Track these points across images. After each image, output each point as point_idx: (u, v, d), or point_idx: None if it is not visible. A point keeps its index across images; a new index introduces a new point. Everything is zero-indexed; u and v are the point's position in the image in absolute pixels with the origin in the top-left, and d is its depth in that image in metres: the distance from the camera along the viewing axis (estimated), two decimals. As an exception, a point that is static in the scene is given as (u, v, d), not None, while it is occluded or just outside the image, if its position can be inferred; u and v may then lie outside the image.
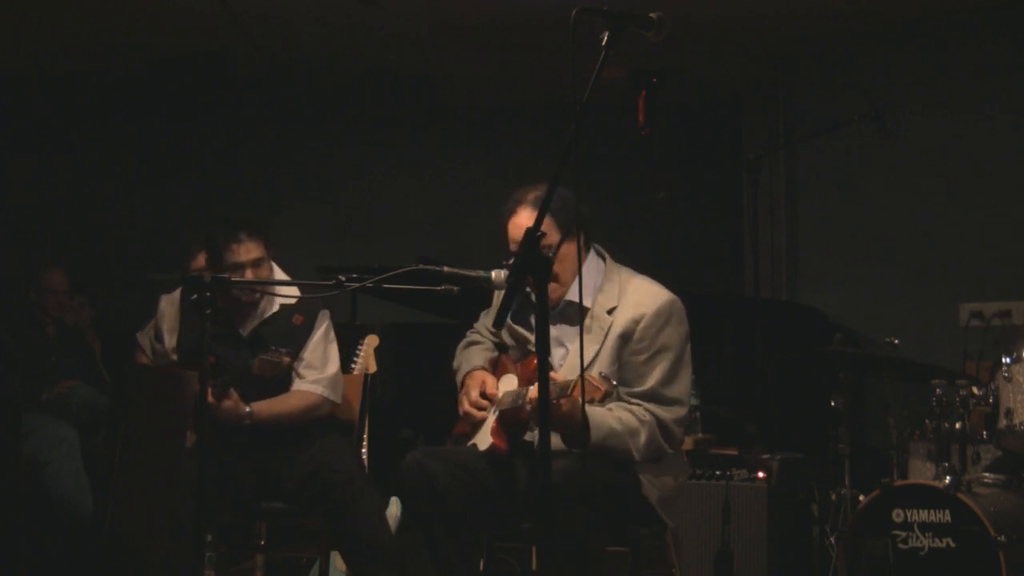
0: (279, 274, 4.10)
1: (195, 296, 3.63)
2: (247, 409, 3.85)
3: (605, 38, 2.54)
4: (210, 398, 3.71)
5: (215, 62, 7.07)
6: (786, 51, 6.98)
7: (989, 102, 6.22)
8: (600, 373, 3.21)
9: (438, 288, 3.32)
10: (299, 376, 4.00)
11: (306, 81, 7.70)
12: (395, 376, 5.44)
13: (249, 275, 3.91)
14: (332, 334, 4.13)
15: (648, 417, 3.37)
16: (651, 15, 2.58)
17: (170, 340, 4.05)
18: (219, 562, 4.31)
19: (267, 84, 7.61)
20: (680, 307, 3.48)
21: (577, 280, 3.48)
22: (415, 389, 5.57)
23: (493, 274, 3.18)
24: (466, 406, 3.56)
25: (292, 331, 4.01)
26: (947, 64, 6.39)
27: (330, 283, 3.49)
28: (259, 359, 3.83)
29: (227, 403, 3.79)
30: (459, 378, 3.70)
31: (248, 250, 3.93)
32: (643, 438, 3.35)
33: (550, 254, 3.36)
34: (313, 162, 7.95)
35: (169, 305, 4.10)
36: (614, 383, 3.21)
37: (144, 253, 7.44)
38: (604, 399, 3.18)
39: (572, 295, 3.49)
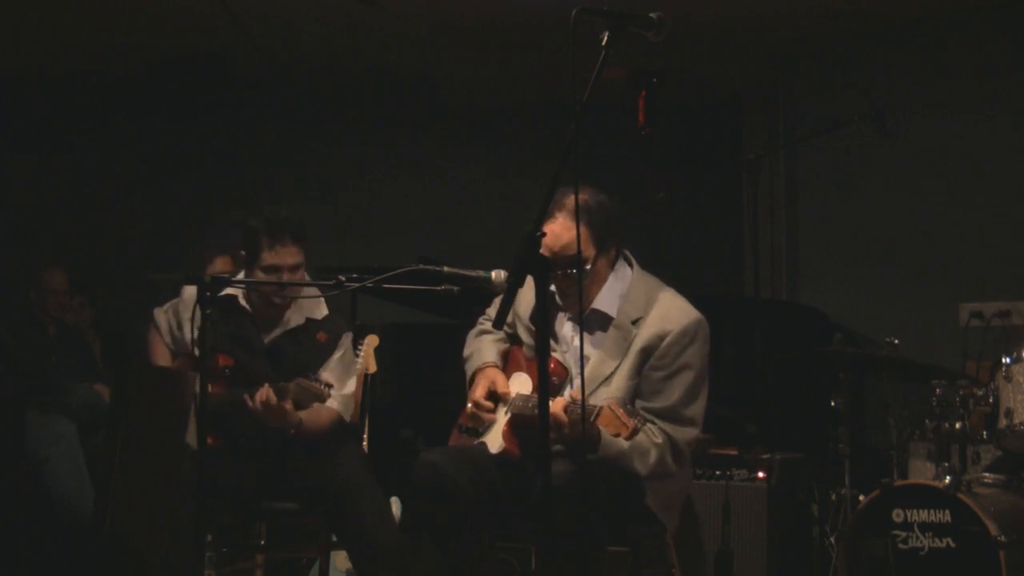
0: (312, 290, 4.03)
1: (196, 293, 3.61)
2: (298, 417, 3.79)
3: (605, 38, 2.54)
4: (272, 398, 3.68)
5: (215, 62, 7.06)
6: (786, 51, 6.98)
7: (989, 102, 6.22)
8: (627, 407, 3.18)
9: (438, 288, 3.32)
10: None
11: (306, 81, 7.70)
12: (395, 376, 5.44)
13: (285, 279, 3.81)
14: (352, 356, 4.08)
15: (660, 439, 3.35)
16: (651, 15, 2.58)
17: (189, 331, 3.97)
18: (219, 562, 4.31)
19: (267, 84, 7.61)
20: (706, 327, 3.45)
21: (604, 288, 3.47)
22: (415, 389, 5.57)
23: (493, 274, 3.18)
24: (471, 408, 3.55)
25: (315, 347, 3.96)
26: (947, 64, 6.39)
27: (330, 283, 3.49)
28: (297, 383, 3.69)
29: (288, 405, 3.71)
30: (469, 369, 3.68)
31: (291, 254, 3.82)
32: (652, 458, 3.33)
33: (586, 267, 3.36)
34: (313, 162, 7.95)
35: (192, 296, 4.04)
36: (640, 419, 3.18)
37: (144, 253, 7.45)
38: (631, 436, 3.15)
39: (598, 303, 3.47)
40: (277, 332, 3.96)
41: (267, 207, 3.94)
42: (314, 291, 3.93)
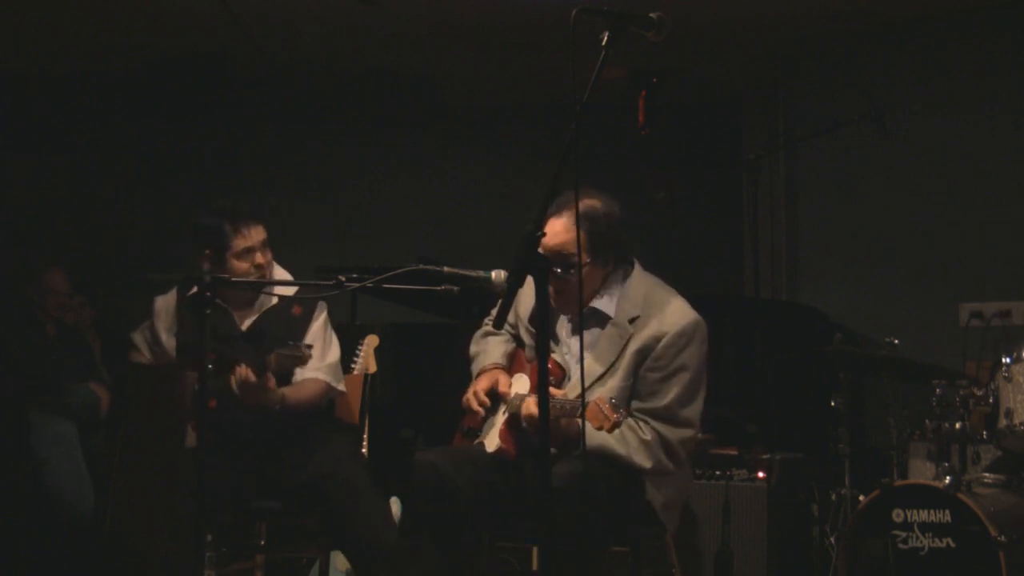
0: (276, 268, 4.09)
1: (195, 293, 3.61)
2: (280, 393, 3.83)
3: (605, 38, 2.54)
4: (251, 376, 3.72)
5: (215, 62, 7.07)
6: (786, 51, 6.98)
7: (989, 102, 6.22)
8: (611, 400, 3.18)
9: (438, 288, 3.32)
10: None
11: (306, 81, 7.70)
12: (395, 376, 5.44)
13: (258, 258, 3.93)
14: (330, 324, 4.11)
15: (650, 436, 3.35)
16: (651, 15, 2.58)
17: (168, 340, 4.03)
18: (219, 562, 4.30)
19: (267, 84, 7.61)
20: (703, 329, 3.45)
21: (602, 288, 3.47)
22: (415, 389, 5.57)
23: (493, 274, 3.18)
24: (469, 395, 3.55)
25: (291, 321, 4.00)
26: (947, 64, 6.39)
27: (330, 283, 3.50)
28: (276, 353, 3.76)
29: (269, 382, 3.76)
30: (475, 368, 3.68)
31: (257, 232, 3.95)
32: (645, 455, 3.34)
33: (577, 272, 3.36)
34: (313, 162, 7.95)
35: (164, 305, 4.09)
36: (624, 413, 3.19)
37: (144, 253, 7.44)
38: (612, 429, 3.15)
39: (596, 302, 3.47)
40: (253, 317, 4.00)
41: (212, 205, 4.02)
42: (317, 289, 3.95)
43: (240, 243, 3.91)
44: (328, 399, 4.07)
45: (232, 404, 3.80)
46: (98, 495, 4.87)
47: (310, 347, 3.83)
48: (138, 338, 4.12)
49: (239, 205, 3.97)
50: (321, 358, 4.00)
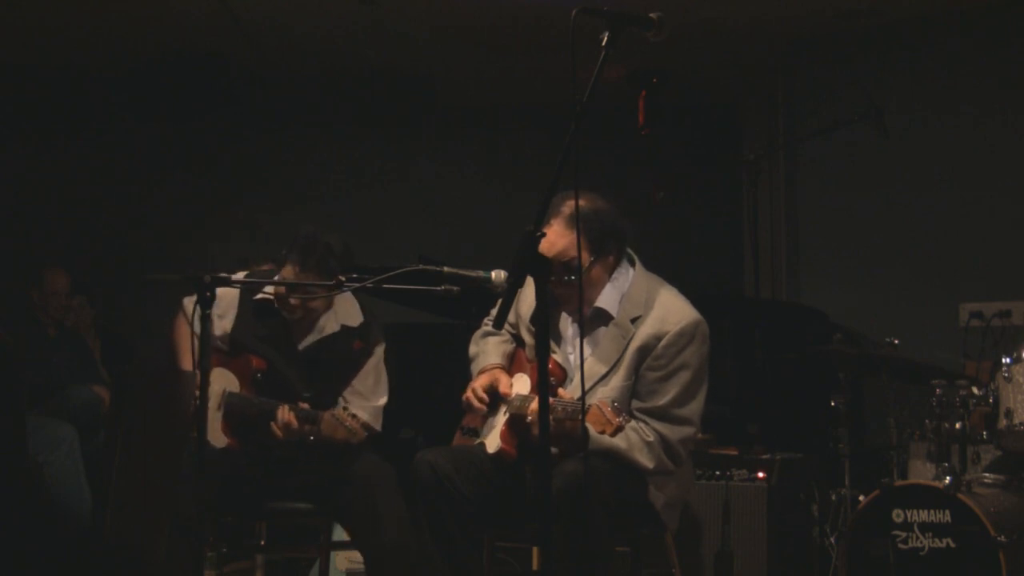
0: (348, 297, 3.98)
1: (259, 300, 3.54)
2: (318, 429, 3.74)
3: (605, 38, 2.54)
4: (293, 423, 3.66)
5: (215, 62, 7.07)
6: (785, 51, 6.98)
7: (988, 102, 6.23)
8: (613, 404, 3.19)
9: (438, 288, 3.32)
10: (346, 402, 3.90)
11: (306, 81, 7.70)
12: (395, 376, 5.43)
13: (319, 304, 3.81)
14: (383, 366, 4.03)
15: (652, 437, 3.35)
16: (651, 15, 2.58)
17: (219, 325, 3.90)
18: (219, 562, 4.30)
19: (267, 84, 7.61)
20: (704, 328, 3.45)
21: (605, 288, 3.47)
22: (415, 389, 5.56)
23: (493, 274, 3.18)
24: (468, 393, 3.55)
25: (349, 355, 3.93)
26: (947, 64, 6.39)
27: (330, 283, 3.50)
28: (332, 414, 3.66)
29: (309, 428, 3.67)
30: (474, 369, 3.68)
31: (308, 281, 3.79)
32: (648, 456, 3.35)
33: (580, 273, 3.35)
34: (312, 162, 7.95)
35: (226, 291, 3.90)
36: (626, 418, 3.19)
37: (144, 253, 7.44)
38: (615, 433, 3.16)
39: (601, 301, 3.47)
40: (312, 339, 3.92)
41: (315, 227, 3.85)
42: (357, 313, 3.93)
43: (286, 274, 3.78)
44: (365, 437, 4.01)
45: (265, 423, 3.75)
46: (98, 496, 4.87)
47: (368, 427, 3.73)
48: (190, 306, 3.82)
49: (321, 254, 3.75)
50: (368, 397, 3.94)
